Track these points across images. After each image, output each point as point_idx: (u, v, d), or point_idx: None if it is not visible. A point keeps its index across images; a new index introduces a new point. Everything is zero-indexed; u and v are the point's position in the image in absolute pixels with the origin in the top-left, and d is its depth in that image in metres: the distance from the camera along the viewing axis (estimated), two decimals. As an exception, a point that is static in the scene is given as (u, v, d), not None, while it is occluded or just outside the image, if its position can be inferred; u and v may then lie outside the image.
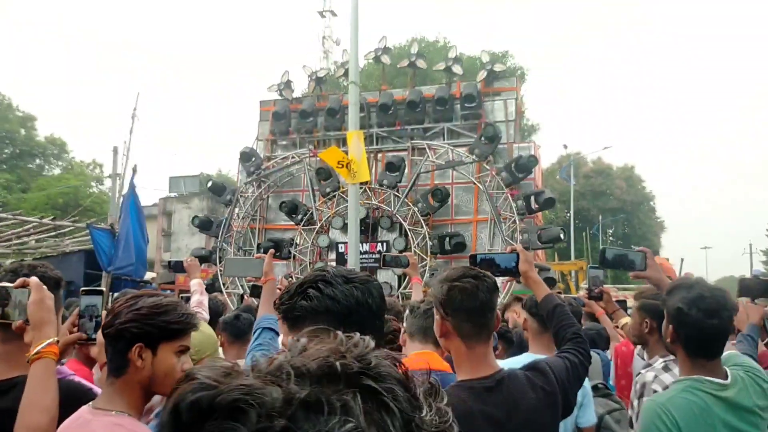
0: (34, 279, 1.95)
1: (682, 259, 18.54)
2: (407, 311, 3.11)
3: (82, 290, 2.53)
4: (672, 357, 2.86)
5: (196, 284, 4.20)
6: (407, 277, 14.30)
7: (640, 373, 3.06)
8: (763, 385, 2.24)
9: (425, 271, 14.16)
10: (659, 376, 2.92)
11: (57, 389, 1.87)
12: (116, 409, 1.84)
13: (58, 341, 2.01)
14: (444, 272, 2.25)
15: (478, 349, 2.08)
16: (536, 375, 2.13)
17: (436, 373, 2.34)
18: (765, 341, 3.49)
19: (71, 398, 1.96)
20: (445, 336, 2.13)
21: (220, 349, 3.92)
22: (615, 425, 3.11)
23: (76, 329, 2.45)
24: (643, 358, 3.65)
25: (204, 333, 2.45)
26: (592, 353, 4.50)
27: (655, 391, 2.75)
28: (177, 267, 4.84)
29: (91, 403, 1.89)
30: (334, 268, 1.59)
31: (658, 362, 3.06)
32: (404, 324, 2.97)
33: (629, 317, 3.96)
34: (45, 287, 1.96)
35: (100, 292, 2.75)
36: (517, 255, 2.62)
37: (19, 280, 1.93)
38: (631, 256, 2.67)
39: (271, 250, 3.09)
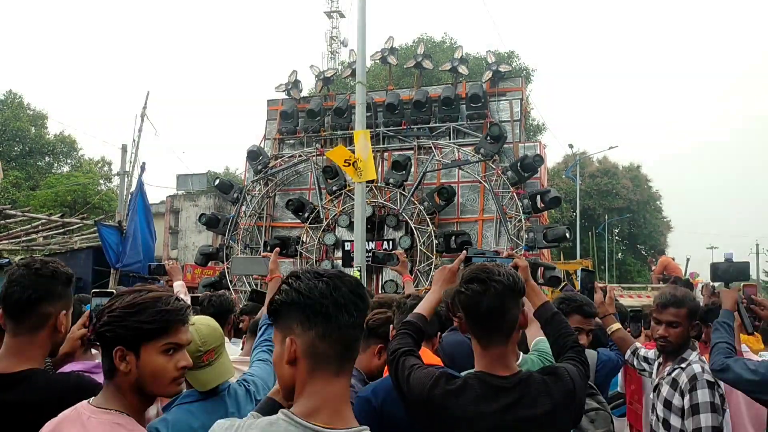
0: None
1: (688, 258, 18.57)
2: (395, 307, 3.14)
3: (93, 292, 2.58)
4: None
5: (179, 286, 4.24)
6: (413, 275, 14.38)
7: (677, 368, 3.10)
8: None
9: (431, 269, 14.24)
10: (705, 366, 3.06)
11: None
12: (114, 408, 1.81)
13: (38, 323, 2.07)
14: (462, 272, 2.26)
15: (493, 350, 2.09)
16: (554, 380, 2.13)
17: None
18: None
19: (80, 392, 1.96)
20: (464, 333, 2.22)
21: (227, 344, 4.02)
22: (589, 425, 3.09)
23: (86, 329, 2.49)
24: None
25: (210, 326, 2.53)
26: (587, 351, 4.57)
27: (708, 381, 2.94)
28: (158, 270, 4.67)
29: (91, 399, 1.86)
30: (318, 267, 1.65)
31: (693, 355, 3.16)
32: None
33: (618, 325, 3.94)
34: None
35: (111, 294, 2.80)
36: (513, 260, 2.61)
37: None
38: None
39: (277, 249, 3.15)
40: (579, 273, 3.87)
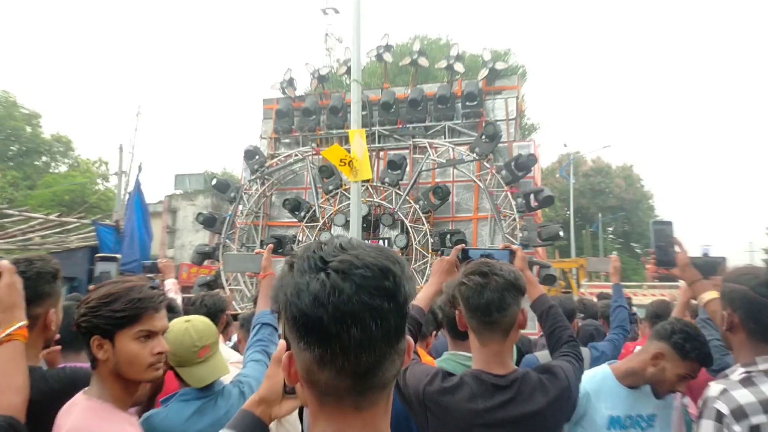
0: (3, 263, 1.99)
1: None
2: None
3: (98, 256, 2.59)
4: (762, 367, 2.10)
5: (171, 284, 4.30)
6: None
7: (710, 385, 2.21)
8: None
9: (427, 267, 14.31)
10: (731, 391, 2.06)
11: (27, 371, 1.90)
12: (97, 397, 1.89)
13: (28, 325, 2.01)
14: (464, 266, 2.26)
15: (491, 346, 2.10)
16: (549, 378, 2.15)
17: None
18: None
19: (76, 385, 2.03)
20: (465, 329, 2.18)
21: (223, 346, 4.05)
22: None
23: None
24: None
25: (205, 323, 2.57)
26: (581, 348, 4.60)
27: (719, 412, 2.02)
28: (152, 268, 4.77)
29: (86, 388, 1.95)
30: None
31: (737, 372, 2.16)
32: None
33: (715, 294, 2.69)
34: (15, 271, 1.99)
35: (115, 259, 2.78)
36: (510, 252, 2.60)
37: None
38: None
39: (270, 245, 3.17)
40: (651, 226, 2.98)
